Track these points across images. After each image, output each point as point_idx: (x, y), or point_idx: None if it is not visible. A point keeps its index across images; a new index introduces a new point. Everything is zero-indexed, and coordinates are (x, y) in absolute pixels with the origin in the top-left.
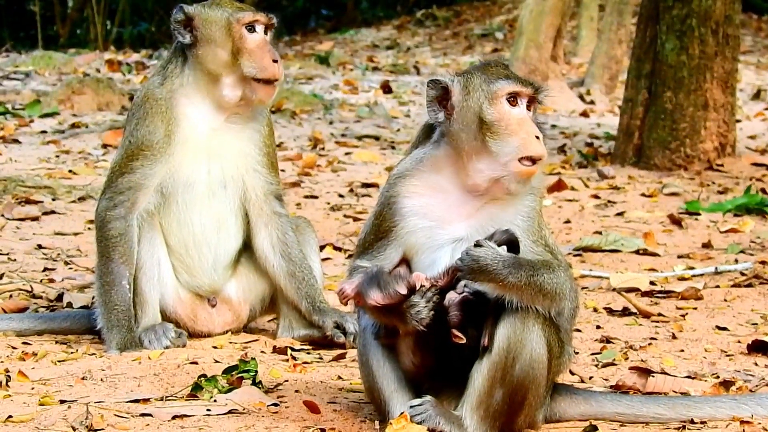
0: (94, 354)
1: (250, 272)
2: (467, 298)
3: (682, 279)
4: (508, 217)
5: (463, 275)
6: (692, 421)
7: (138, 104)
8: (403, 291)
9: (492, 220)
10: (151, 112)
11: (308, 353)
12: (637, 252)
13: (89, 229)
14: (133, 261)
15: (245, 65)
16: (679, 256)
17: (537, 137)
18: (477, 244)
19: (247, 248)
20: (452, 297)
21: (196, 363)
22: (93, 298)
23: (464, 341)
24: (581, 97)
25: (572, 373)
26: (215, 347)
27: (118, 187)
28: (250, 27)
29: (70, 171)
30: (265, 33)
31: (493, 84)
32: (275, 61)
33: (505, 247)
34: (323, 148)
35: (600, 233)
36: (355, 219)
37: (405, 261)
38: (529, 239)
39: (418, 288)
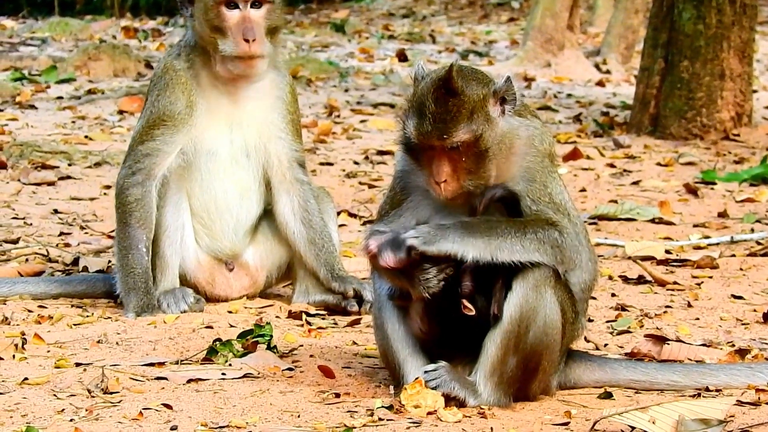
0: (110, 318)
1: (268, 239)
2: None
3: (697, 248)
4: (508, 181)
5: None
6: (707, 389)
7: (158, 75)
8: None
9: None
10: (171, 83)
11: (323, 318)
12: (652, 221)
13: (105, 194)
14: (151, 226)
15: (220, 43)
16: (695, 225)
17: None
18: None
19: (266, 215)
20: (467, 266)
21: (211, 327)
22: (109, 262)
23: (473, 313)
24: (597, 67)
25: (587, 341)
26: (230, 312)
27: (137, 155)
28: (231, 3)
29: (86, 137)
30: (258, 7)
31: None
32: (247, 40)
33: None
34: (339, 116)
35: (615, 202)
36: (371, 186)
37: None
38: (529, 197)
39: None
